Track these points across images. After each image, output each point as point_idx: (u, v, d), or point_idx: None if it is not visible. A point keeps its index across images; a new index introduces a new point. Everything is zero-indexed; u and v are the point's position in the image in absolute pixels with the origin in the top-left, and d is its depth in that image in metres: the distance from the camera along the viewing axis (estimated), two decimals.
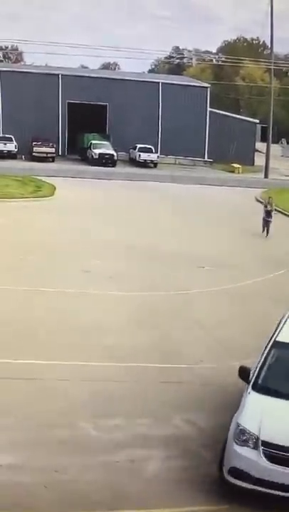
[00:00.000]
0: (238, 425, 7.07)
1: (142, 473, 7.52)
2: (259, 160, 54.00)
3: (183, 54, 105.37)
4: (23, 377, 9.63)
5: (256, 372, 7.72)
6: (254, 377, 7.64)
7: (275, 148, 62.63)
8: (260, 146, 59.50)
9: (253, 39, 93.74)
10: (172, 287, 15.29)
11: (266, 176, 48.56)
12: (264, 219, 23.29)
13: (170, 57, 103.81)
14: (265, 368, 7.74)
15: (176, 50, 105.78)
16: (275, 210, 29.83)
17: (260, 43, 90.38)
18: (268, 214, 23.37)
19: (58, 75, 51.93)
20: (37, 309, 12.95)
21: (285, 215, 29.15)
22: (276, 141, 68.79)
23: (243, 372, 7.84)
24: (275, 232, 23.20)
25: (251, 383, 7.59)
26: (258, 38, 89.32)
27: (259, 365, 7.81)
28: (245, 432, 6.96)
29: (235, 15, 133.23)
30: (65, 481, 7.22)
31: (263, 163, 49.89)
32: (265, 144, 50.58)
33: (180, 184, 37.76)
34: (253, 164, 55.14)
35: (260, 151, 57.02)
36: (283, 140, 73.62)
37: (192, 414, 8.92)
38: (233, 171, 50.06)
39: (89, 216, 24.07)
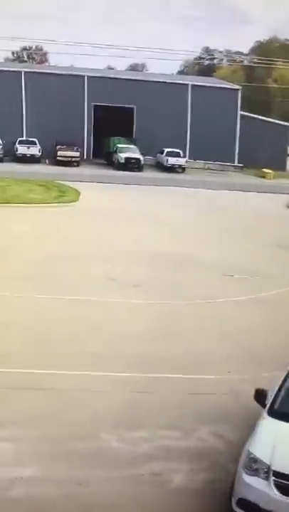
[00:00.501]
0: (249, 453, 6.73)
1: (167, 486, 7.55)
2: None
3: (213, 55, 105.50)
4: (44, 387, 9.73)
5: (273, 395, 7.36)
6: (270, 401, 7.29)
7: None
8: None
9: (286, 39, 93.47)
10: (199, 296, 15.30)
11: None
12: None
13: (200, 58, 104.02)
14: (283, 391, 7.37)
15: (206, 51, 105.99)
16: None
17: None
18: None
19: (83, 76, 52.48)
20: (60, 318, 13.08)
21: None
22: None
23: (260, 395, 7.52)
24: None
25: (267, 407, 7.25)
26: None
27: (277, 388, 7.44)
28: (256, 460, 6.63)
29: (268, 15, 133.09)
30: (87, 494, 7.28)
31: None
32: None
33: (209, 190, 37.76)
34: (285, 169, 54.89)
35: None
36: None
37: (220, 427, 8.92)
38: (264, 177, 49.91)
39: (114, 222, 24.23)
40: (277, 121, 60.07)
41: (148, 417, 9.10)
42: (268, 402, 7.32)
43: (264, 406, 7.34)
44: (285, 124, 59.24)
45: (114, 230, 22.59)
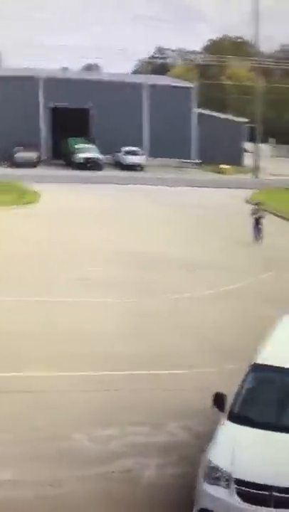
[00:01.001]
0: (209, 462, 6.35)
1: (139, 482, 7.52)
2: (248, 160, 54.36)
3: (167, 54, 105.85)
4: (11, 390, 9.61)
5: (232, 399, 6.96)
6: (230, 406, 6.89)
7: (264, 148, 63.04)
8: (248, 146, 59.89)
9: (238, 37, 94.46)
10: (165, 292, 15.34)
11: (256, 176, 48.89)
12: (254, 226, 22.55)
13: (153, 57, 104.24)
14: (242, 395, 6.95)
15: (159, 50, 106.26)
16: (266, 210, 30.13)
17: (246, 41, 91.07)
18: (258, 221, 22.65)
19: (39, 77, 51.92)
20: (32, 319, 12.94)
21: (276, 215, 29.29)
22: (264, 141, 69.22)
23: (218, 400, 7.03)
24: (267, 233, 23.33)
25: (226, 412, 6.83)
26: (243, 36, 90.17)
27: (236, 392, 7.02)
28: (216, 469, 6.27)
29: (220, 13, 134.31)
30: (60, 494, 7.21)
31: (252, 164, 50.26)
32: (254, 144, 50.99)
33: (168, 187, 37.87)
34: (242, 165, 55.48)
35: (248, 151, 57.39)
36: (271, 139, 74.07)
37: (189, 421, 8.95)
38: (222, 172, 50.32)
39: (76, 223, 24.09)
40: (232, 118, 60.63)
41: (117, 415, 9.07)
42: (227, 406, 6.91)
43: (223, 411, 6.94)
44: (241, 120, 59.84)
45: (76, 230, 22.45)
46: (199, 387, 9.76)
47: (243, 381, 7.08)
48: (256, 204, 24.04)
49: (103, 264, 17.64)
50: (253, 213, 23.04)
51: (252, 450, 6.37)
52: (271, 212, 29.66)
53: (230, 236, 23.00)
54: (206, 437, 7.14)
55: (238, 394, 6.96)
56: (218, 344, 11.96)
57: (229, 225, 25.63)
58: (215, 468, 6.30)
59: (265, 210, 24.66)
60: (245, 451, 6.35)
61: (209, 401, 7.25)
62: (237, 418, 6.71)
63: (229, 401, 6.98)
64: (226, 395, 7.06)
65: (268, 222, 24.45)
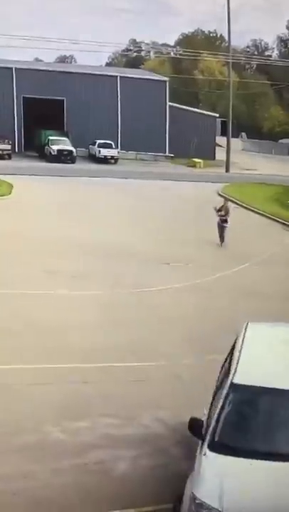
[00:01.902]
0: (195, 498, 5.58)
1: (111, 474, 7.55)
2: (220, 154, 54.62)
3: (140, 47, 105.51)
4: None
5: (212, 426, 6.02)
6: (210, 434, 5.98)
7: (236, 143, 63.44)
8: (220, 140, 60.22)
9: (210, 32, 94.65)
10: (137, 285, 15.35)
11: (227, 171, 49.18)
12: (219, 225, 20.76)
13: (127, 50, 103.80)
14: (222, 421, 6.02)
15: (133, 43, 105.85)
16: (237, 204, 30.36)
17: (218, 36, 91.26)
18: (224, 220, 20.72)
19: (11, 68, 51.27)
20: None
21: (247, 208, 29.56)
22: (236, 135, 69.66)
23: (195, 426, 6.25)
24: (238, 226, 23.46)
25: (207, 441, 5.94)
26: (215, 31, 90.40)
27: (215, 417, 6.06)
28: (202, 505, 5.53)
29: (193, 7, 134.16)
30: (33, 487, 7.19)
31: (224, 158, 50.51)
32: (225, 138, 51.21)
33: (141, 180, 37.84)
34: (214, 159, 55.76)
35: (220, 146, 57.69)
36: (243, 134, 74.63)
37: (163, 412, 8.99)
38: (194, 166, 50.51)
39: (48, 215, 23.89)
40: (205, 112, 60.86)
41: (90, 407, 9.06)
42: (207, 433, 6.04)
43: (202, 438, 6.09)
44: (213, 114, 60.12)
45: (49, 223, 22.26)
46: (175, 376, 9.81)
47: (223, 404, 6.12)
48: (225, 201, 21.90)
49: (72, 257, 17.54)
50: (219, 210, 20.96)
51: (241, 483, 5.60)
52: (241, 205, 29.99)
53: (201, 229, 23.07)
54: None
55: (217, 419, 6.03)
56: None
57: (198, 217, 25.72)
58: (201, 505, 5.57)
59: (236, 204, 24.79)
60: (234, 483, 5.61)
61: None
62: (220, 447, 5.86)
63: (207, 427, 6.12)
64: (202, 421, 6.28)
65: (240, 215, 24.64)
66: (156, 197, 31.51)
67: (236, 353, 6.73)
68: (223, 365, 7.19)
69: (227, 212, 20.84)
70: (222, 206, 21.11)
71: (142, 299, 14.43)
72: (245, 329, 7.34)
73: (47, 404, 9.03)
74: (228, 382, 6.30)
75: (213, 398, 6.64)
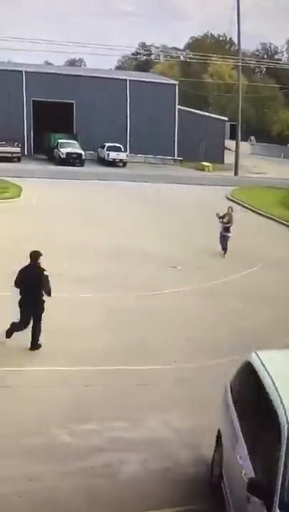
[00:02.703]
0: None
1: (118, 477, 7.55)
2: (228, 158, 54.59)
3: (150, 50, 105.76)
4: None
5: (279, 486, 5.04)
6: (278, 495, 5.01)
7: (244, 146, 63.37)
8: (229, 143, 60.18)
9: (220, 35, 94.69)
10: (145, 288, 15.36)
11: (236, 174, 49.16)
12: (222, 234, 19.55)
13: (137, 53, 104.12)
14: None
15: (142, 47, 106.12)
16: (246, 208, 30.33)
17: (228, 39, 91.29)
18: (227, 229, 19.48)
19: (21, 71, 51.53)
20: (3, 315, 12.83)
21: (255, 212, 29.53)
22: (245, 139, 69.60)
23: (257, 487, 5.21)
24: (247, 229, 23.43)
25: (277, 502, 4.99)
26: (225, 34, 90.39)
27: (280, 476, 5.06)
28: None
29: (202, 11, 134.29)
30: (39, 489, 7.20)
31: (233, 161, 50.49)
32: (234, 142, 51.20)
33: (150, 183, 37.90)
34: (222, 162, 55.73)
35: (229, 149, 57.66)
36: (252, 137, 74.51)
37: (168, 415, 8.99)
38: (203, 169, 50.50)
39: (57, 217, 23.97)
40: (214, 116, 60.87)
41: (96, 410, 9.07)
42: (273, 494, 5.04)
43: (268, 500, 5.08)
44: (222, 118, 60.07)
45: (58, 225, 22.34)
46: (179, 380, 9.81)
47: (285, 461, 5.10)
48: (229, 208, 20.31)
49: (80, 259, 17.58)
50: (222, 217, 19.63)
51: None
52: (250, 209, 29.97)
53: (209, 233, 23.03)
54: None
55: (284, 477, 5.07)
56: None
57: (206, 221, 25.70)
58: None
59: (245, 208, 24.70)
60: None
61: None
62: None
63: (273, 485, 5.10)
64: (262, 479, 5.29)
65: (248, 219, 24.62)
66: (164, 200, 31.53)
67: (270, 391, 5.82)
68: (237, 401, 6.70)
69: (230, 221, 19.51)
70: (225, 214, 19.70)
71: (148, 302, 14.43)
72: (261, 361, 6.53)
73: (51, 406, 9.05)
74: (284, 430, 5.24)
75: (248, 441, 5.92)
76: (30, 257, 11.01)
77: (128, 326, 12.65)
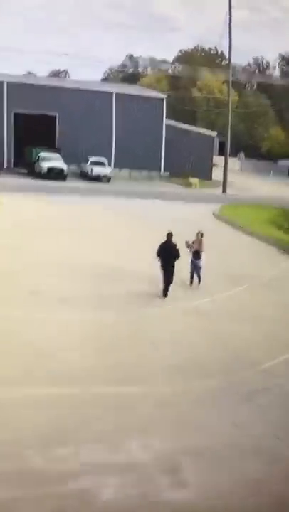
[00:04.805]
0: None
1: (96, 502, 7.58)
2: (217, 174, 55.15)
3: (137, 62, 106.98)
4: None
5: None
6: None
7: (233, 162, 64.03)
8: (217, 159, 60.84)
9: (210, 49, 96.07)
10: (128, 307, 15.46)
11: (224, 191, 49.60)
12: (192, 262, 18.12)
13: (124, 65, 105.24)
14: None
15: (130, 59, 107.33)
16: (233, 226, 30.62)
17: (218, 53, 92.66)
18: (197, 255, 18.08)
19: (2, 82, 51.72)
20: None
21: (242, 230, 29.79)
22: (234, 155, 70.32)
23: None
24: (234, 248, 23.64)
25: None
26: (215, 48, 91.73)
27: None
28: None
29: (192, 24, 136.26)
30: None
31: (221, 178, 51.00)
32: (223, 158, 51.74)
33: (134, 199, 38.13)
34: (210, 179, 56.27)
35: (217, 165, 58.27)
36: (241, 154, 75.28)
37: (147, 439, 9.06)
38: (190, 186, 50.98)
39: (36, 234, 24.04)
40: (202, 131, 61.51)
41: (74, 433, 9.12)
42: None
43: None
44: (211, 133, 60.78)
45: (38, 242, 22.43)
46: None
47: None
48: (198, 233, 18.57)
49: (61, 276, 17.66)
50: (190, 246, 18.18)
51: None
52: (238, 228, 30.27)
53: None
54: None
55: None
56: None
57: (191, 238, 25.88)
58: None
59: (235, 227, 24.74)
60: None
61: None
62: None
63: None
64: None
65: (236, 237, 24.77)
66: (149, 217, 31.72)
67: None
68: None
69: (200, 246, 18.14)
70: (194, 240, 18.30)
71: (132, 320, 14.52)
72: None
73: (27, 429, 9.07)
74: None
75: None
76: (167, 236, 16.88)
77: (109, 346, 12.72)
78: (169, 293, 16.63)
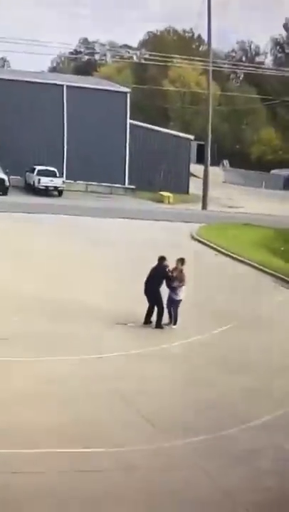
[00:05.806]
0: None
1: None
2: (195, 187, 55.66)
3: (94, 48, 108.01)
4: None
5: None
6: None
7: (216, 172, 64.75)
8: (195, 169, 61.39)
9: (185, 31, 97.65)
10: (87, 349, 15.75)
11: (204, 208, 50.09)
12: (169, 297, 18.40)
13: (77, 52, 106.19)
14: None
15: (84, 44, 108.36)
16: (216, 250, 31.17)
17: (195, 36, 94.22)
18: (175, 290, 18.35)
19: None
20: None
21: (230, 256, 30.31)
22: (216, 163, 71.21)
23: None
24: (219, 278, 23.97)
25: None
26: (191, 29, 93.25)
27: None
28: None
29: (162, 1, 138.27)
30: None
31: (200, 191, 51.41)
32: (202, 167, 52.27)
33: (92, 218, 38.30)
34: (187, 192, 56.93)
35: (196, 176, 58.86)
36: (225, 161, 75.94)
37: (112, 509, 9.38)
38: (162, 201, 51.48)
39: None
40: (176, 133, 62.10)
41: (24, 502, 9.38)
42: None
43: None
44: (187, 136, 61.22)
45: None
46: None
47: None
48: (179, 260, 18.84)
49: (8, 314, 17.90)
50: (169, 278, 18.42)
51: None
52: (223, 253, 30.80)
53: None
54: None
55: None
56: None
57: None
58: None
59: (219, 252, 24.93)
60: None
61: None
62: None
63: None
64: None
65: (221, 264, 24.86)
66: (111, 241, 31.93)
67: None
68: None
69: (181, 279, 18.39)
70: (173, 269, 18.57)
71: (91, 368, 14.83)
72: None
73: None
74: None
75: None
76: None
77: (67, 398, 12.99)
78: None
